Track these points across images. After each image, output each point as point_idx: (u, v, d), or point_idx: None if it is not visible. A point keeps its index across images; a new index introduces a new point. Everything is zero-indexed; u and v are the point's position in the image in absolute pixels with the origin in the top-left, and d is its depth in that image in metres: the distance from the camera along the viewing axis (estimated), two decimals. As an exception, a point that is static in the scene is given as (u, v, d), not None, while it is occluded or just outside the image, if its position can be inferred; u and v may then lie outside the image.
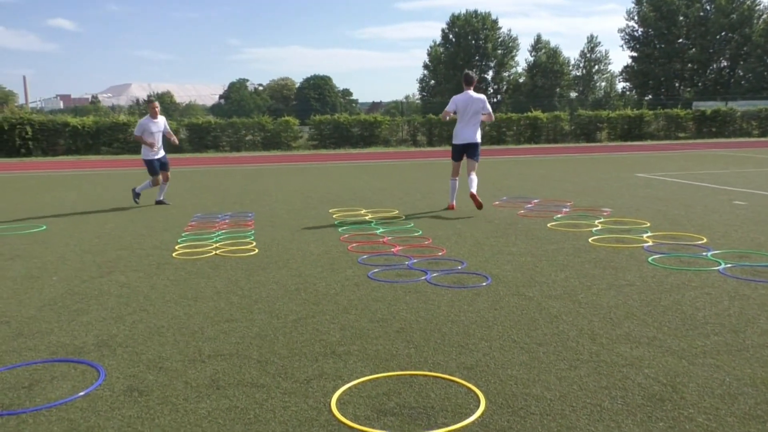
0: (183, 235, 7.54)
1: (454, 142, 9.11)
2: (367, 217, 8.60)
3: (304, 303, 4.72)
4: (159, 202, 10.17)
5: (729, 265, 5.53)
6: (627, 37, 60.85)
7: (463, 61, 61.40)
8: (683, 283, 5.05)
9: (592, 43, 64.42)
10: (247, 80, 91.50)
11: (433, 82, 65.77)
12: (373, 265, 5.84)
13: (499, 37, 63.36)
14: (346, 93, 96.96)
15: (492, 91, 64.97)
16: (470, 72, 9.08)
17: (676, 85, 60.67)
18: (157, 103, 10.08)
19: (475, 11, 62.63)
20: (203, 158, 22.13)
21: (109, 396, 3.20)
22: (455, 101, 8.93)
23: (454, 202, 9.24)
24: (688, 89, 60.41)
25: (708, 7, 57.34)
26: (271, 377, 3.39)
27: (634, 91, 62.39)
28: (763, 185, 11.30)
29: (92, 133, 24.43)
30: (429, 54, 65.04)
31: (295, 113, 28.80)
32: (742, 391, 3.10)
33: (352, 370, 3.46)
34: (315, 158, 21.36)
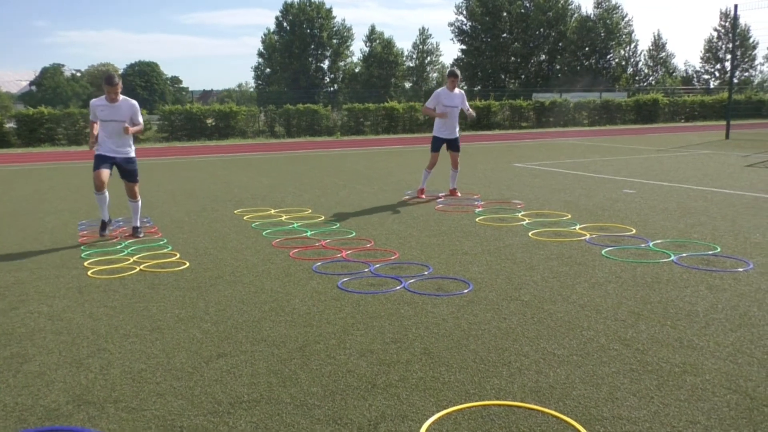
0: (83, 248, 6.48)
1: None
2: (283, 218, 8.00)
3: (293, 325, 4.16)
4: (135, 230, 7.13)
5: (684, 255, 5.76)
6: (456, 30, 63.72)
7: (299, 49, 60.75)
8: (653, 276, 5.16)
9: (424, 35, 66.70)
10: (63, 65, 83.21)
11: (268, 70, 64.37)
12: (333, 274, 5.37)
13: (334, 27, 63.42)
14: (176, 80, 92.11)
15: (328, 80, 65.11)
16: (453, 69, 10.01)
17: (503, 77, 64.64)
18: (119, 85, 6.77)
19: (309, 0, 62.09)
20: (40, 153, 19.65)
21: (142, 475, 2.52)
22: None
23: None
24: (513, 81, 64.71)
25: (528, 5, 61.65)
26: (326, 426, 2.88)
27: (464, 83, 65.51)
28: (633, 172, 12.16)
29: None
30: (263, 42, 63.50)
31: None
32: (811, 391, 3.13)
33: (414, 407, 3.04)
34: (171, 152, 19.83)
